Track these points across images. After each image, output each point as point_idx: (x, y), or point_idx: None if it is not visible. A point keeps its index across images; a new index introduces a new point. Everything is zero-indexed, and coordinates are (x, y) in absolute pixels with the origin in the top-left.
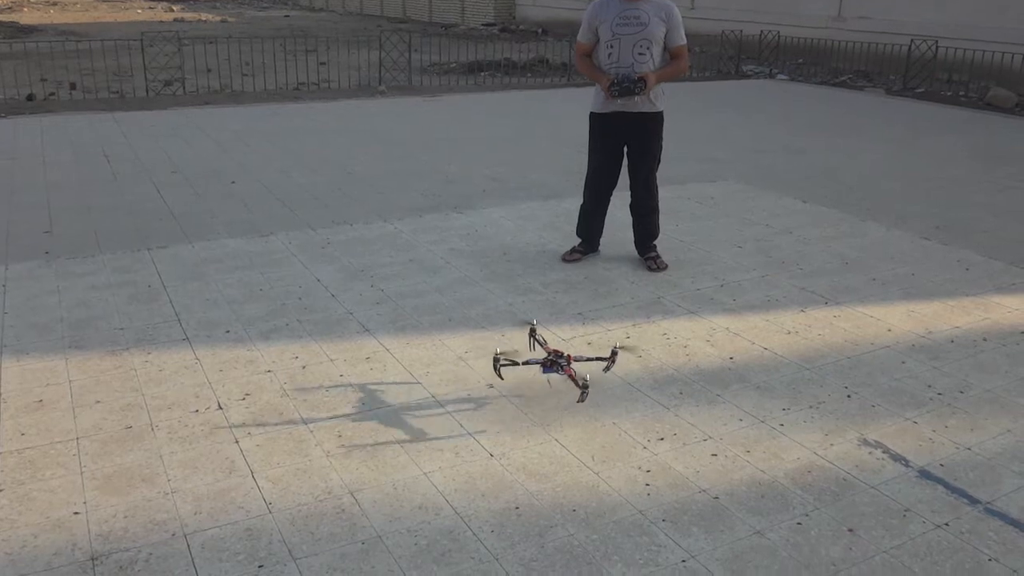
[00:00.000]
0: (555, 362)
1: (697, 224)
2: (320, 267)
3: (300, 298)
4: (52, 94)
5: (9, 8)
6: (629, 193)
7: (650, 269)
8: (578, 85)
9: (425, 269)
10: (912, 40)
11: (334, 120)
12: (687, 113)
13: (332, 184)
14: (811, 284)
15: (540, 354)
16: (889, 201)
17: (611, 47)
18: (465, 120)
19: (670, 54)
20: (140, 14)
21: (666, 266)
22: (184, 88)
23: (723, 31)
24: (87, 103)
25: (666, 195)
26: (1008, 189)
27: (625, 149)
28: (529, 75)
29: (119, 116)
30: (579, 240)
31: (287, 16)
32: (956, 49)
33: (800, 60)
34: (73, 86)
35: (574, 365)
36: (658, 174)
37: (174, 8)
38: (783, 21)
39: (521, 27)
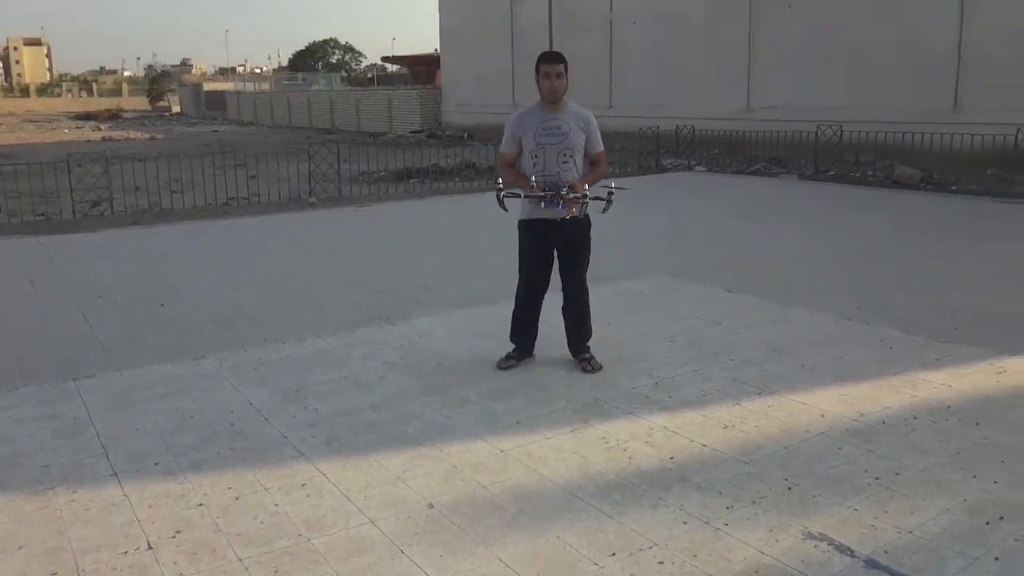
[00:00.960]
0: (557, 195)
1: (629, 320)
2: (252, 389)
3: (232, 424)
4: None
5: None
6: (561, 296)
7: (584, 371)
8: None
9: (359, 385)
10: (818, 126)
11: (264, 234)
12: (612, 209)
13: (264, 300)
14: (743, 375)
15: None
16: (810, 283)
17: (536, 156)
18: (396, 228)
19: (590, 160)
20: (67, 134)
21: (600, 367)
22: (112, 208)
23: (640, 128)
24: (12, 227)
25: (597, 293)
26: (920, 263)
27: (555, 254)
28: (457, 179)
29: (45, 240)
30: (512, 346)
31: (216, 131)
32: (860, 132)
33: (716, 150)
34: None
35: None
36: (588, 273)
37: (101, 127)
38: (696, 115)
39: (447, 133)
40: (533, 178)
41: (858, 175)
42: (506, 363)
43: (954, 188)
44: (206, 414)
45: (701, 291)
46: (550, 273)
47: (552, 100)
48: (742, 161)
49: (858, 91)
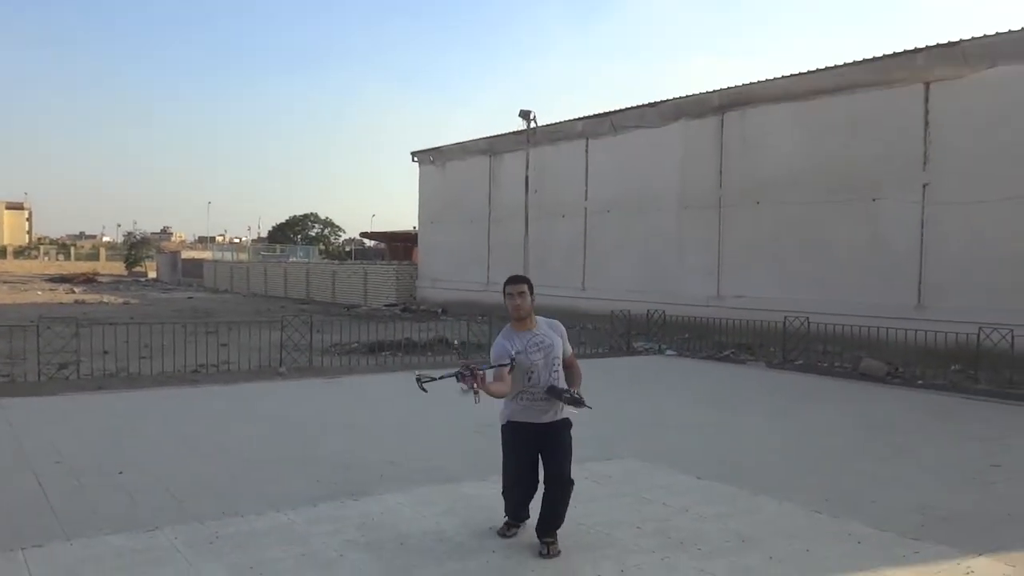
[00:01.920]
0: (464, 374)
1: (596, 505)
2: (206, 566)
3: None
4: None
5: None
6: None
7: (541, 555)
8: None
9: (318, 565)
10: (786, 316)
11: (231, 404)
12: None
13: (225, 471)
14: (711, 566)
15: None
16: (779, 474)
17: (531, 373)
18: (365, 402)
19: (565, 362)
20: (40, 296)
21: (559, 552)
22: (79, 372)
23: (612, 310)
24: None
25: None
26: (889, 458)
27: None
28: (429, 354)
29: (6, 402)
30: (507, 517)
31: (190, 298)
32: (827, 325)
33: (686, 335)
34: None
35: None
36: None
37: (75, 290)
38: (667, 300)
39: (422, 307)
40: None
41: (825, 365)
42: (507, 532)
43: (920, 382)
44: None
45: (669, 477)
46: (537, 474)
47: (518, 318)
48: (711, 346)
49: (825, 284)
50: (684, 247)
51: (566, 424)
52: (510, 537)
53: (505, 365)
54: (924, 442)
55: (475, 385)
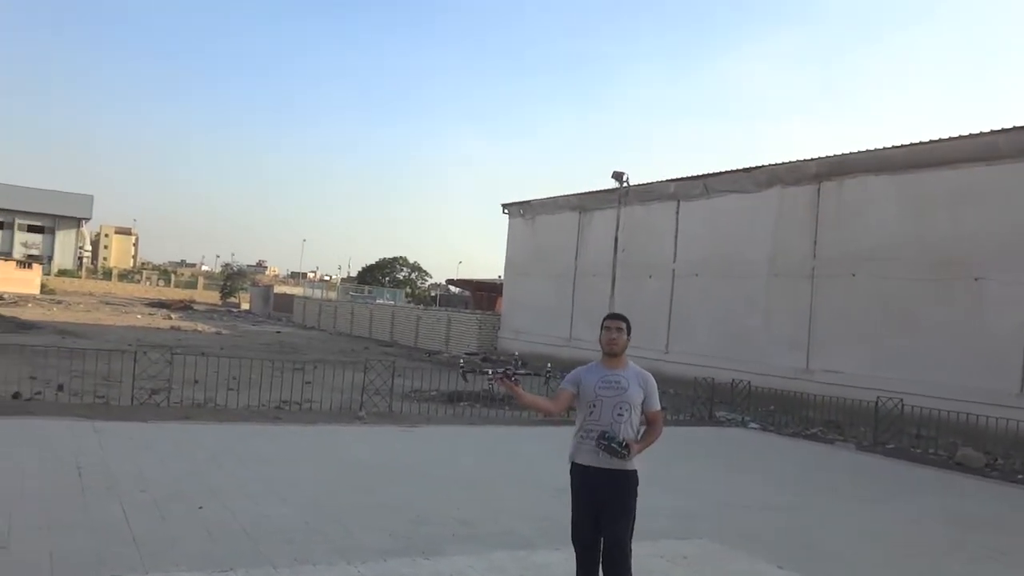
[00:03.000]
0: (504, 376)
1: None
2: None
3: None
4: (39, 393)
5: (14, 302)
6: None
7: None
8: (555, 424)
9: None
10: (879, 396)
11: (311, 445)
12: (661, 461)
13: (300, 516)
14: None
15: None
16: (865, 568)
17: (593, 407)
18: (440, 453)
19: (647, 418)
20: (139, 319)
21: None
22: (169, 399)
23: (695, 376)
24: (71, 407)
25: (637, 552)
26: (984, 559)
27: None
28: (506, 408)
29: (99, 425)
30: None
31: (279, 332)
32: (922, 408)
33: (771, 407)
34: (60, 388)
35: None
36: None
37: (172, 316)
38: (753, 370)
39: (502, 358)
40: (587, 430)
41: (919, 451)
42: None
43: (1020, 477)
44: None
45: (749, 564)
46: (597, 522)
47: (610, 352)
48: (798, 422)
49: (921, 365)
50: (773, 316)
51: (629, 478)
52: None
53: (530, 375)
54: None
55: (501, 382)
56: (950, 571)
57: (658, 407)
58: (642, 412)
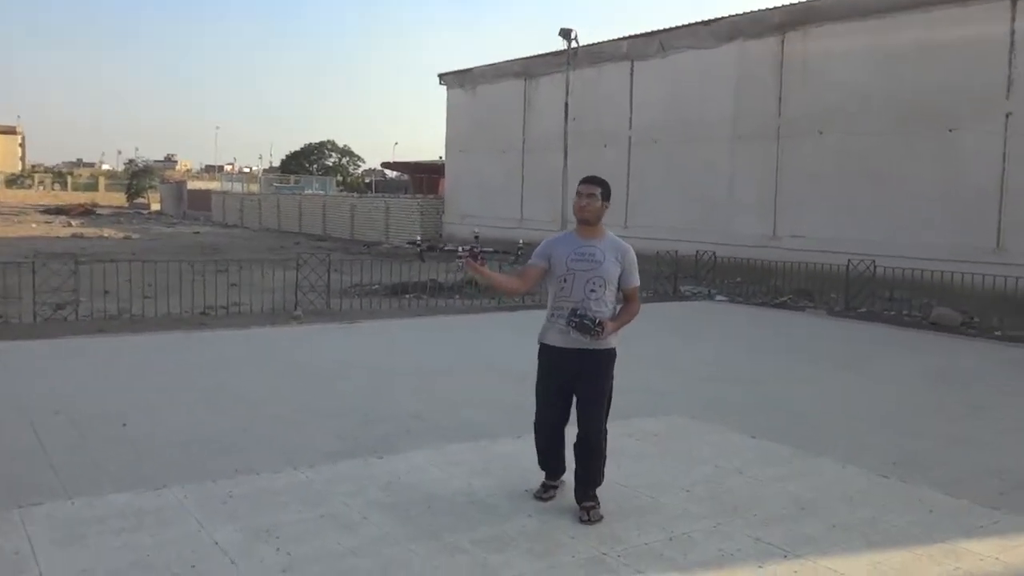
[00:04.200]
0: (472, 252)
1: (641, 465)
2: (219, 526)
3: (193, 566)
4: None
5: None
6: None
7: (581, 521)
8: (510, 309)
9: (340, 526)
10: (849, 259)
11: (244, 350)
12: (628, 338)
13: (238, 425)
14: (767, 534)
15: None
16: (841, 433)
17: (564, 281)
18: (387, 348)
19: (624, 294)
20: (35, 228)
21: (600, 518)
22: (77, 313)
23: (658, 251)
24: None
25: (608, 432)
26: (964, 417)
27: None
28: (457, 297)
29: (1, 345)
30: (544, 474)
31: (197, 233)
32: (895, 269)
33: (738, 279)
34: None
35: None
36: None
37: (73, 223)
38: (718, 240)
39: (448, 246)
40: (558, 306)
41: (893, 314)
42: (544, 494)
43: (997, 333)
44: (165, 553)
45: (722, 436)
46: (568, 405)
47: (582, 220)
48: (766, 291)
49: (893, 224)
50: (737, 181)
51: (603, 356)
52: (547, 500)
53: (497, 253)
54: (1003, 400)
55: (468, 263)
56: (929, 430)
57: (637, 283)
58: (619, 288)
